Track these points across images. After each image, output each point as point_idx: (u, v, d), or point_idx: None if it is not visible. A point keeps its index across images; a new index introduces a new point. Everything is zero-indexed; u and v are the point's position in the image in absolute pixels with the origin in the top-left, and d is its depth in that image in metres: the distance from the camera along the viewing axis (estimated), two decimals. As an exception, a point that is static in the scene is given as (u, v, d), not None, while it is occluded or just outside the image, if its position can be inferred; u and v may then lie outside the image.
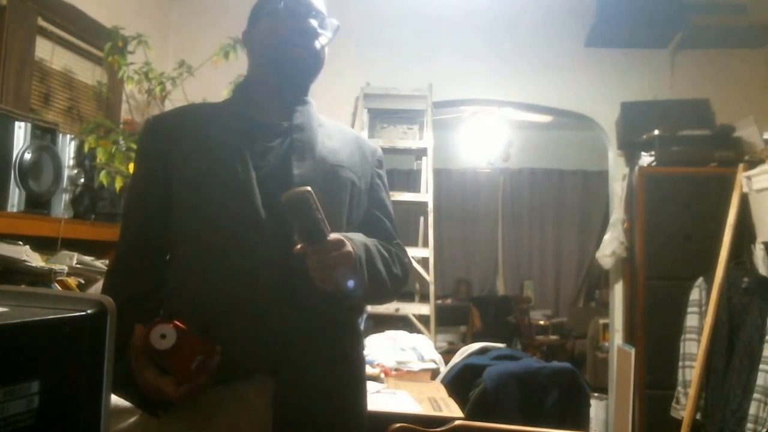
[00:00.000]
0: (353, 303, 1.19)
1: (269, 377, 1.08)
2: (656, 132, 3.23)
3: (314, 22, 1.21)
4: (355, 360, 1.23)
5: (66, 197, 2.37)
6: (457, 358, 2.85)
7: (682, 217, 3.11)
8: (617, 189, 3.56)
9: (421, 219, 3.64)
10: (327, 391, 1.13)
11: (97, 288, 2.27)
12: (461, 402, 2.24)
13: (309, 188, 1.00)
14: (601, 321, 5.26)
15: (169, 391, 0.98)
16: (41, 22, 2.58)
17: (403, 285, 1.27)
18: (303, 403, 1.09)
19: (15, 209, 2.07)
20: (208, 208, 1.13)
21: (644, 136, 3.30)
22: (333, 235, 1.04)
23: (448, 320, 5.61)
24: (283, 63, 1.20)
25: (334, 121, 1.31)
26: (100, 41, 2.79)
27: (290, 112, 1.22)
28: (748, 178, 2.92)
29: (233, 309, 1.09)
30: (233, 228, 1.11)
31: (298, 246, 1.04)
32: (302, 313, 1.10)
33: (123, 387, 1.04)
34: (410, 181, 5.79)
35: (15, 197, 2.08)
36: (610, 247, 3.39)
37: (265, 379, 1.08)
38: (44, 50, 2.63)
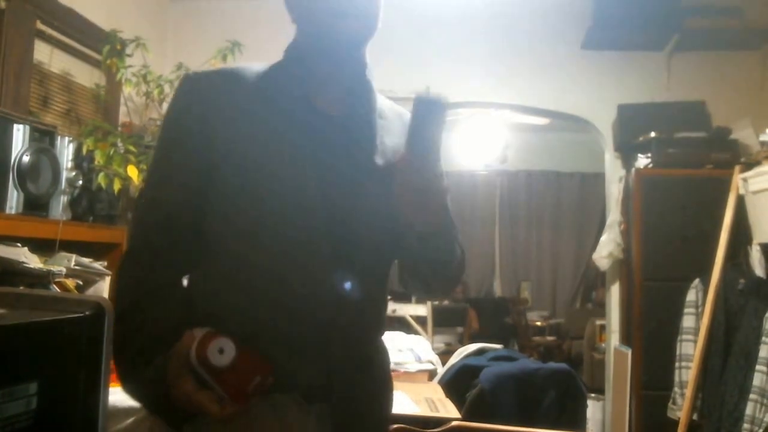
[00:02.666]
0: (439, 255, 1.04)
1: (311, 392, 0.97)
2: (653, 134, 3.24)
3: None
4: (387, 376, 1.15)
5: (64, 199, 2.37)
6: (454, 359, 2.85)
7: (678, 219, 3.12)
8: (614, 191, 3.57)
9: (419, 221, 3.64)
10: (371, 410, 1.06)
11: (95, 289, 2.27)
12: (458, 403, 2.25)
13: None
14: (598, 322, 5.27)
15: (213, 408, 0.84)
16: (40, 26, 2.59)
17: (461, 273, 1.14)
18: (348, 419, 1.00)
19: (13, 211, 2.08)
20: (260, 206, 0.96)
21: (641, 138, 3.31)
22: None
23: (445, 321, 5.62)
24: (331, 46, 1.02)
25: (391, 105, 1.15)
26: (98, 44, 2.79)
27: (350, 97, 1.06)
28: (745, 179, 2.93)
29: (278, 322, 0.97)
30: (287, 234, 0.97)
31: (400, 159, 0.91)
32: (350, 333, 1.00)
33: (148, 396, 0.92)
34: (408, 183, 5.78)
35: (13, 199, 2.08)
36: (606, 248, 3.40)
37: (305, 394, 0.97)
38: (43, 53, 2.64)
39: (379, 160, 1.03)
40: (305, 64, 1.04)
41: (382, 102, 1.11)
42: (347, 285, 0.99)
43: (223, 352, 0.85)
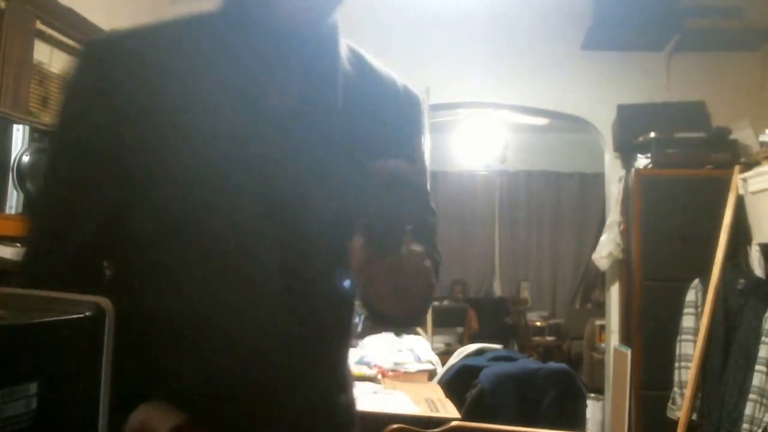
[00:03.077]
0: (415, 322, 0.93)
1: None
2: (652, 134, 3.25)
3: None
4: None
5: (64, 199, 2.37)
6: (453, 359, 2.86)
7: (678, 219, 3.12)
8: (613, 191, 3.57)
9: (419, 221, 3.64)
10: None
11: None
12: (458, 403, 2.25)
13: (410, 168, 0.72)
14: (598, 322, 5.27)
15: None
16: (39, 26, 2.59)
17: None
18: None
19: (13, 211, 2.08)
20: (188, 203, 0.76)
21: (640, 139, 3.31)
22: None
23: (445, 321, 5.62)
24: (284, 26, 0.80)
25: (363, 59, 0.89)
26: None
27: (305, 53, 0.82)
28: (744, 180, 2.93)
29: (218, 336, 0.78)
30: (227, 251, 0.77)
31: (362, 250, 0.73)
32: (304, 354, 0.81)
33: None
34: (408, 183, 5.79)
35: (13, 199, 2.08)
36: (606, 248, 3.40)
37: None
38: (42, 53, 2.64)
39: (339, 157, 0.82)
40: (250, 39, 0.80)
41: (346, 51, 0.87)
42: (300, 299, 0.81)
43: None
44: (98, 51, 0.83)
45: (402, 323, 0.86)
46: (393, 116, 0.90)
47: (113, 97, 0.77)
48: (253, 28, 0.80)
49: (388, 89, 0.91)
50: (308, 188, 0.80)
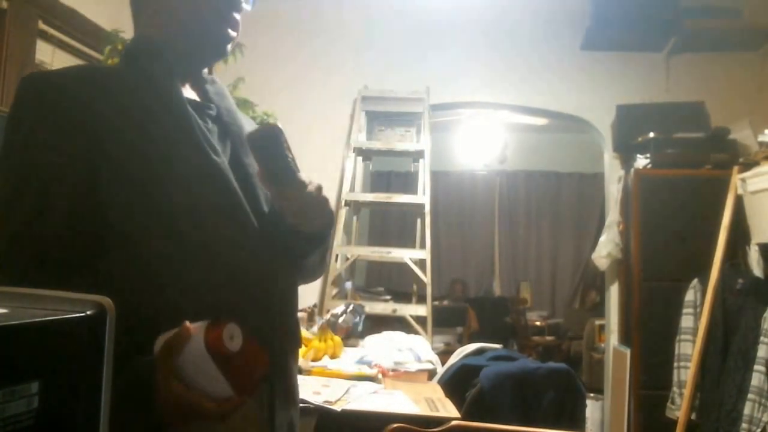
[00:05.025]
0: (325, 241, 1.07)
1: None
2: (651, 134, 3.25)
3: None
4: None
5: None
6: (453, 358, 2.86)
7: (677, 219, 3.13)
8: (613, 191, 3.58)
9: (418, 221, 3.65)
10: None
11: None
12: (458, 402, 2.25)
13: (278, 124, 0.92)
14: (597, 322, 5.28)
15: (210, 406, 0.78)
16: (42, 26, 2.59)
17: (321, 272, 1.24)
18: (286, 404, 0.99)
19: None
20: (181, 210, 0.90)
21: (639, 139, 3.32)
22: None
23: (444, 321, 5.61)
24: (208, 42, 1.04)
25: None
26: (100, 44, 2.80)
27: (206, 90, 1.07)
28: (743, 180, 2.94)
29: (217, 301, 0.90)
30: (224, 234, 0.93)
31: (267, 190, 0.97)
32: (284, 307, 1.00)
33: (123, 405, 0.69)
34: (407, 183, 5.77)
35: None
36: (605, 248, 3.41)
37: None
38: (45, 53, 2.64)
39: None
40: (160, 56, 1.00)
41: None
42: (278, 259, 1.00)
43: (233, 338, 0.79)
44: (65, 81, 0.93)
45: (312, 237, 1.02)
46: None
47: (89, 126, 0.88)
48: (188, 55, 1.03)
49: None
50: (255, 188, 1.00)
